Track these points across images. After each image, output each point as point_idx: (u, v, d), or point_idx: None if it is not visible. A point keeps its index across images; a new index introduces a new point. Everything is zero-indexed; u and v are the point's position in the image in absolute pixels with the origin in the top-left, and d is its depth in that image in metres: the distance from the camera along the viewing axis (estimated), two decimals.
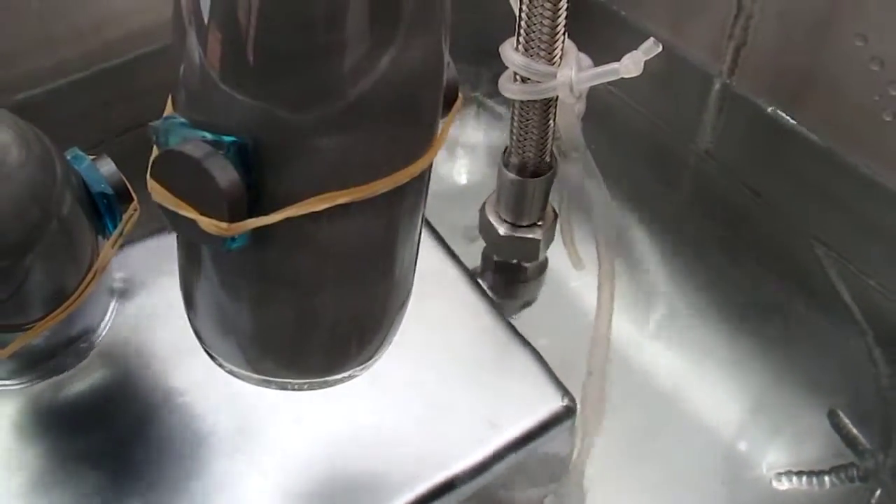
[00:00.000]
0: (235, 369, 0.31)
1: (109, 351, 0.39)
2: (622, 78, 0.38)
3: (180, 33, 0.24)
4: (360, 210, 0.25)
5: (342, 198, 0.24)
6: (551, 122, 0.43)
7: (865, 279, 0.51)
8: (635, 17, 0.61)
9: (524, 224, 0.48)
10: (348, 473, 0.36)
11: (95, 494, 0.35)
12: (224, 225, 0.24)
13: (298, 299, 0.28)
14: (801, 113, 0.55)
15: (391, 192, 0.26)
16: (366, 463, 0.36)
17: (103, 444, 0.36)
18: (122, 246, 0.37)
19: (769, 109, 0.57)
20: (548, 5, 0.37)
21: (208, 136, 0.23)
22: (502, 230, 0.48)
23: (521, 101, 0.42)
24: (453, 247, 0.44)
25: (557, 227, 0.49)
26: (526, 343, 0.40)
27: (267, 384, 0.31)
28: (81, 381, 0.38)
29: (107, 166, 0.36)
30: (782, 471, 0.45)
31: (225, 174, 0.23)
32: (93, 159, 0.36)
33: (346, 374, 0.31)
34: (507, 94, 0.42)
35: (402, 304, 0.31)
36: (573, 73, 0.39)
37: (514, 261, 0.51)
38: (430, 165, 0.28)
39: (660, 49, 0.36)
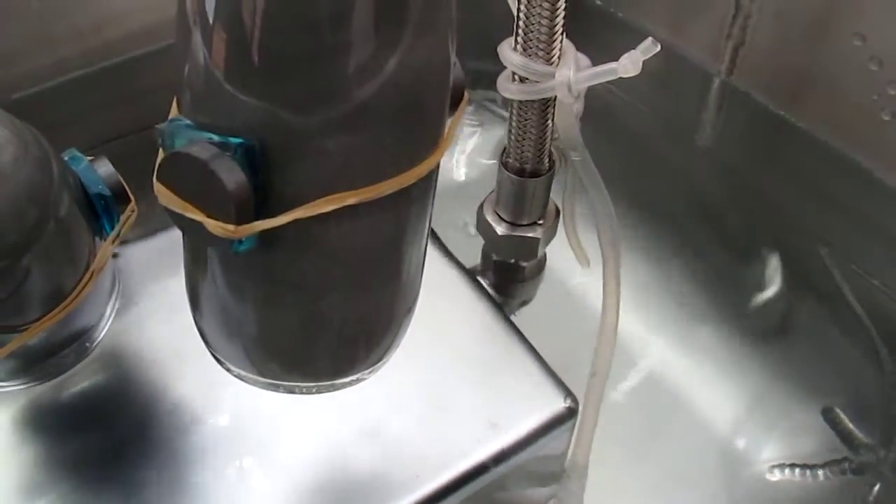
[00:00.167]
0: (242, 373, 0.31)
1: (108, 352, 0.39)
2: (621, 78, 0.38)
3: (185, 34, 0.24)
4: (368, 212, 0.25)
5: (350, 199, 0.24)
6: (550, 121, 0.43)
7: (866, 277, 0.51)
8: (634, 16, 0.61)
9: (524, 223, 0.48)
10: (349, 474, 0.36)
11: (93, 495, 0.35)
12: (231, 227, 0.24)
13: (306, 302, 0.28)
14: (800, 112, 0.55)
15: (398, 193, 0.26)
16: (366, 463, 0.36)
17: (102, 446, 0.36)
18: (120, 245, 0.37)
19: (768, 108, 0.57)
20: (546, 5, 0.37)
21: (215, 137, 0.23)
22: (500, 229, 0.48)
23: (520, 101, 0.42)
24: (452, 246, 0.44)
25: (560, 225, 0.49)
26: (527, 343, 0.40)
27: (275, 388, 0.31)
28: (80, 382, 0.38)
29: (104, 167, 0.36)
30: (779, 465, 0.45)
31: (232, 176, 0.23)
32: (90, 160, 0.36)
33: (354, 378, 0.31)
34: (506, 94, 0.41)
35: (410, 307, 0.31)
36: (571, 73, 0.39)
37: (512, 260, 0.51)
38: (438, 165, 0.27)
39: (658, 49, 0.36)
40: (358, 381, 0.31)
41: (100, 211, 0.35)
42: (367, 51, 0.23)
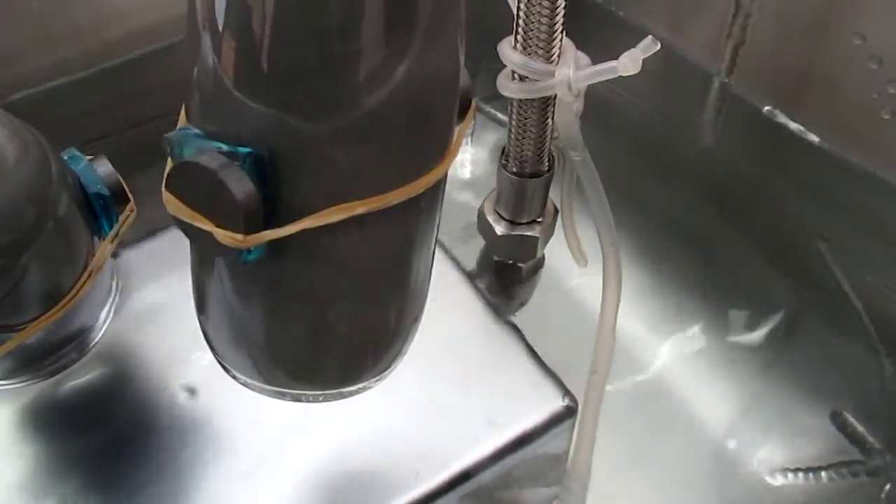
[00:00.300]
0: (249, 381, 0.31)
1: (107, 351, 0.39)
2: (621, 76, 0.38)
3: (194, 40, 0.23)
4: (376, 221, 0.25)
5: (358, 209, 0.24)
6: (550, 120, 0.43)
7: (866, 277, 0.51)
8: (633, 16, 0.61)
9: (523, 221, 0.48)
10: (348, 473, 0.36)
11: (92, 494, 0.35)
12: (240, 237, 0.24)
13: (314, 311, 0.28)
14: (800, 111, 0.55)
15: (406, 202, 0.25)
16: (365, 463, 0.36)
17: (101, 444, 0.36)
18: (120, 244, 0.37)
19: (768, 108, 0.56)
20: (546, 3, 0.37)
21: (224, 147, 0.23)
22: (500, 229, 0.48)
23: (520, 100, 0.42)
24: (451, 247, 0.44)
25: (558, 224, 0.49)
26: (525, 342, 0.40)
27: (281, 396, 0.31)
28: (79, 380, 0.38)
29: (104, 167, 0.36)
30: (780, 469, 0.45)
31: (241, 185, 0.23)
32: (90, 160, 0.36)
33: (361, 385, 0.31)
34: (505, 93, 0.41)
35: (418, 315, 0.31)
36: (571, 72, 0.39)
37: (511, 261, 0.51)
38: (446, 175, 0.27)
39: (658, 47, 0.36)
40: (365, 388, 0.31)
41: (98, 210, 0.35)
42: (377, 60, 0.23)
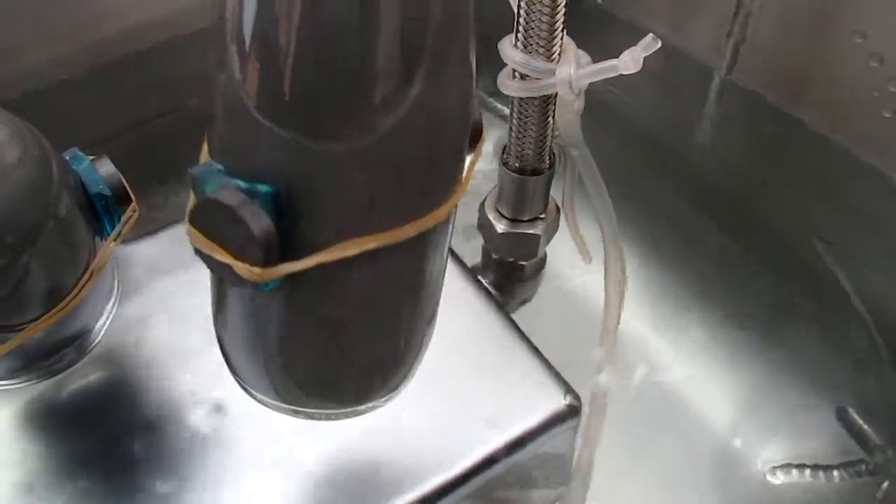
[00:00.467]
0: (265, 399, 0.32)
1: (108, 351, 0.39)
2: (622, 75, 0.38)
3: (218, 78, 0.24)
4: (389, 253, 0.26)
5: (371, 243, 0.25)
6: (550, 119, 0.43)
7: (867, 274, 0.51)
8: (634, 14, 0.61)
9: (525, 219, 0.48)
10: (348, 473, 0.36)
11: (94, 495, 0.35)
12: (258, 270, 0.25)
13: (327, 336, 0.29)
14: (801, 109, 0.55)
15: (418, 234, 0.26)
16: (365, 462, 0.36)
17: (102, 445, 0.36)
18: (121, 243, 0.37)
19: (769, 105, 0.56)
20: (546, 1, 0.37)
21: (242, 184, 0.24)
22: (501, 227, 0.48)
23: (520, 99, 0.42)
24: (453, 244, 0.44)
25: (560, 222, 0.49)
26: (528, 341, 0.40)
27: (295, 414, 0.32)
28: (80, 380, 0.38)
29: (105, 167, 0.36)
30: (783, 466, 0.45)
31: (259, 222, 0.24)
32: (92, 160, 0.36)
33: (373, 404, 0.32)
34: (506, 91, 0.41)
35: (428, 337, 0.32)
36: (572, 70, 0.39)
37: (511, 259, 0.51)
38: (456, 206, 0.28)
39: (659, 45, 0.36)
40: (377, 406, 0.33)
41: (100, 211, 0.35)
42: (392, 93, 0.23)
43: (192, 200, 0.26)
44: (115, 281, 0.40)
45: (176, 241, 0.43)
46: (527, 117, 0.43)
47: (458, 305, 0.41)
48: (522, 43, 0.40)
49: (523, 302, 0.51)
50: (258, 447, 0.36)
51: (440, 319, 0.40)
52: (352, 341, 0.29)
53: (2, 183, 0.31)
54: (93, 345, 0.39)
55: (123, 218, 0.36)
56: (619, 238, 0.44)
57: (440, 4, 0.23)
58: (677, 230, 0.55)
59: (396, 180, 0.25)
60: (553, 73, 0.39)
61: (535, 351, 0.40)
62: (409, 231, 0.26)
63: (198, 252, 0.26)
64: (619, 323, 0.45)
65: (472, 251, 0.51)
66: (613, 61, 0.38)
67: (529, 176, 0.46)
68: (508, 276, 0.52)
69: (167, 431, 0.36)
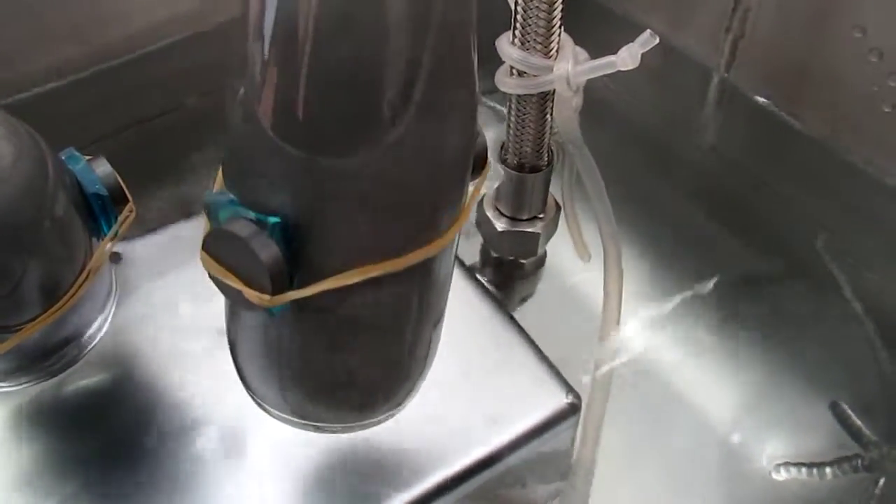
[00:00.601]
0: (276, 413, 0.33)
1: (106, 352, 0.39)
2: (620, 72, 0.38)
3: (232, 112, 0.26)
4: (393, 279, 0.27)
5: (375, 271, 0.26)
6: (548, 116, 0.43)
7: (866, 271, 0.51)
8: (632, 11, 0.61)
9: (524, 218, 0.48)
10: (348, 471, 0.36)
11: (92, 496, 0.34)
12: (267, 297, 0.26)
13: (333, 356, 0.30)
14: (800, 105, 0.55)
15: (422, 261, 0.27)
16: (366, 461, 0.36)
17: (100, 446, 0.36)
18: (119, 243, 0.37)
19: (768, 102, 0.56)
20: None
21: (253, 215, 0.26)
22: (500, 225, 0.48)
23: (518, 96, 0.42)
24: None
25: (561, 220, 0.49)
26: (528, 339, 0.40)
27: (304, 427, 0.33)
28: (78, 382, 0.38)
29: (102, 167, 0.36)
30: (784, 463, 0.45)
31: (268, 252, 0.25)
32: (88, 160, 0.35)
33: (381, 418, 0.34)
34: (504, 89, 0.41)
35: (432, 354, 0.33)
36: (570, 67, 0.39)
37: (511, 258, 0.50)
38: (459, 233, 0.29)
39: (657, 41, 0.36)
40: (385, 419, 0.34)
41: (97, 211, 0.35)
42: (399, 124, 0.24)
43: (206, 227, 0.27)
44: (114, 281, 0.40)
45: (174, 242, 0.43)
46: (525, 114, 0.43)
47: (458, 304, 0.41)
48: (520, 40, 0.39)
49: (523, 300, 0.51)
50: (257, 445, 0.36)
51: None
52: (359, 359, 0.31)
53: None
54: (91, 346, 0.38)
55: (120, 218, 0.36)
56: (618, 235, 0.44)
57: (445, 43, 0.24)
58: (676, 228, 0.55)
59: (401, 210, 0.26)
60: (551, 69, 0.39)
61: (536, 349, 0.40)
62: (412, 259, 0.27)
63: (211, 277, 0.27)
64: (619, 320, 0.45)
65: (472, 249, 0.51)
66: (611, 57, 0.38)
67: (528, 173, 0.45)
68: (508, 275, 0.51)
69: (166, 432, 0.36)
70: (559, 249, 0.50)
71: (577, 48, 0.40)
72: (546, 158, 0.45)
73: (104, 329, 0.39)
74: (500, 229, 0.48)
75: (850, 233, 0.53)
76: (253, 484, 0.35)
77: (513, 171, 0.45)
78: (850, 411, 0.46)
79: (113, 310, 0.39)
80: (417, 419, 0.37)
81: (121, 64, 0.56)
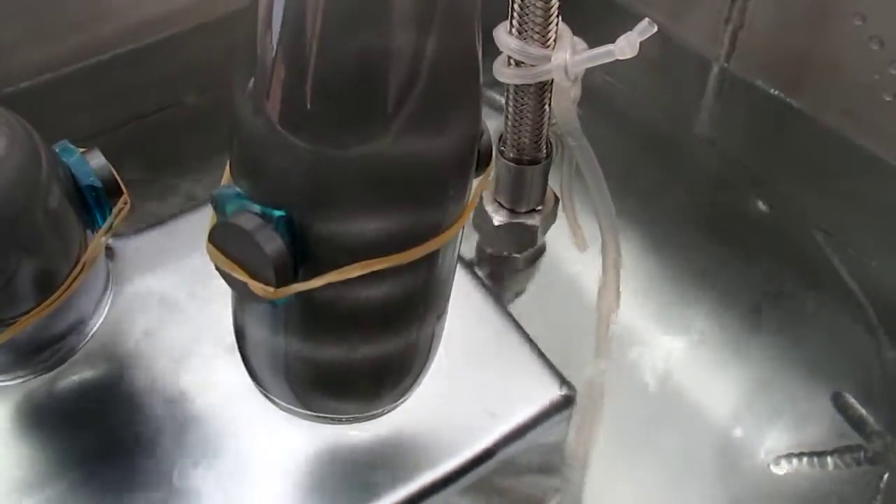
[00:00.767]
0: (282, 404, 0.34)
1: (101, 347, 0.38)
2: (619, 62, 0.37)
3: (237, 107, 0.26)
4: (396, 272, 0.27)
5: (378, 265, 0.27)
6: (547, 107, 0.43)
7: (868, 261, 0.51)
8: (630, 1, 0.61)
9: (522, 210, 0.47)
10: (346, 465, 0.36)
11: (86, 491, 0.34)
12: (271, 289, 0.26)
13: (337, 347, 0.31)
14: (801, 95, 0.55)
15: (425, 255, 0.28)
16: (362, 454, 0.36)
17: (95, 441, 0.36)
18: (114, 238, 0.37)
19: (768, 92, 0.56)
20: None
21: (258, 208, 0.26)
22: (498, 218, 0.47)
23: (516, 86, 0.42)
24: None
25: (559, 211, 0.48)
26: (523, 332, 0.40)
27: (310, 418, 0.34)
28: (73, 376, 0.38)
29: (96, 159, 0.35)
30: (785, 454, 0.44)
31: (273, 245, 0.26)
32: (82, 152, 0.35)
33: (382, 410, 0.34)
34: (501, 79, 0.41)
35: (436, 344, 0.34)
36: (568, 56, 0.39)
37: (506, 253, 0.50)
38: (463, 228, 0.29)
39: (655, 30, 0.36)
40: (389, 410, 0.34)
41: (91, 203, 0.35)
42: (404, 121, 0.24)
43: (212, 220, 0.28)
44: (109, 276, 0.40)
45: (171, 236, 0.43)
46: (523, 105, 0.42)
47: (453, 297, 0.41)
48: (517, 29, 0.39)
49: (519, 292, 0.51)
50: (255, 439, 0.36)
51: None
52: (363, 351, 0.31)
53: None
54: (86, 340, 0.38)
55: (115, 210, 0.35)
56: (617, 227, 0.43)
57: (452, 34, 0.24)
58: (675, 219, 0.54)
59: (406, 204, 0.27)
60: (549, 59, 0.39)
61: (531, 342, 0.40)
62: (417, 253, 0.27)
63: (218, 269, 0.28)
64: (616, 312, 0.45)
65: (468, 243, 0.51)
66: (609, 46, 0.37)
67: (526, 165, 0.45)
68: (504, 267, 0.51)
69: (161, 426, 0.36)
70: (556, 243, 0.50)
71: (576, 38, 0.40)
72: (545, 150, 0.45)
73: (99, 323, 0.39)
74: (497, 222, 0.48)
75: (851, 223, 0.52)
76: (251, 476, 0.35)
77: (511, 164, 0.45)
78: (852, 400, 0.45)
79: (109, 304, 0.39)
80: (413, 412, 0.37)
81: (116, 59, 0.56)
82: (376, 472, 0.35)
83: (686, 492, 0.44)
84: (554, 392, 0.38)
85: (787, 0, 0.53)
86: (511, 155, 0.45)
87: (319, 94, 0.24)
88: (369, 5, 0.23)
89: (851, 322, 0.49)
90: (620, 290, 0.43)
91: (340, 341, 0.30)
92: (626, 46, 0.37)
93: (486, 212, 0.48)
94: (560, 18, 0.39)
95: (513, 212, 0.48)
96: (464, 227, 0.30)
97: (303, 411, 0.34)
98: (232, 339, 0.34)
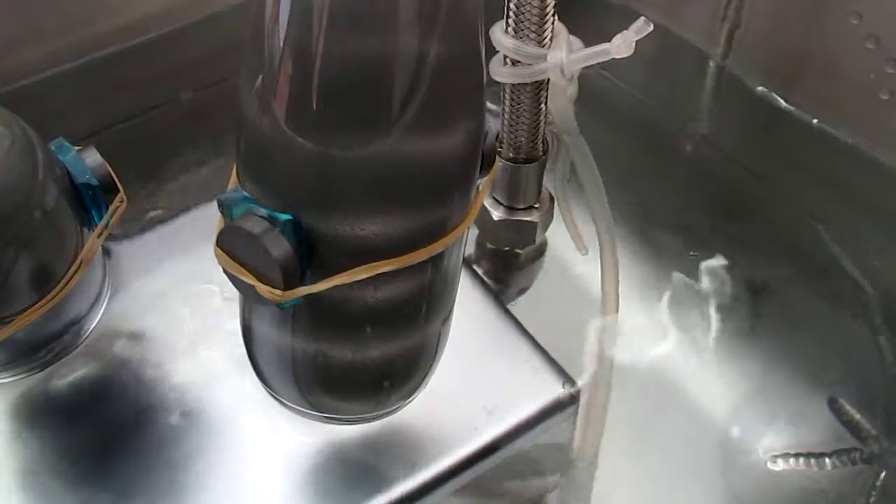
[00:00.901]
0: (289, 404, 0.34)
1: (98, 344, 0.38)
2: (615, 61, 0.37)
3: (244, 112, 0.26)
4: (402, 274, 0.28)
5: (384, 267, 0.27)
6: (543, 105, 0.43)
7: (865, 259, 0.51)
8: (627, 0, 0.61)
9: (520, 207, 0.47)
10: (346, 462, 0.36)
11: (83, 488, 0.34)
12: (279, 292, 0.27)
13: (343, 348, 0.31)
14: (797, 93, 0.55)
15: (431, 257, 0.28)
16: (364, 451, 0.36)
17: (92, 439, 0.36)
18: (111, 238, 0.37)
19: (765, 90, 0.56)
20: None
21: (265, 212, 0.26)
22: (497, 214, 0.47)
23: (512, 85, 0.42)
24: None
25: (555, 210, 0.48)
26: (524, 330, 0.40)
27: (317, 418, 0.34)
28: (70, 374, 0.38)
29: (92, 157, 0.35)
30: (783, 454, 0.44)
31: (280, 249, 0.26)
32: (78, 150, 0.35)
33: (389, 410, 0.34)
34: (498, 78, 0.41)
35: (443, 345, 0.34)
36: (564, 55, 0.39)
37: (507, 248, 0.50)
38: (468, 229, 0.29)
39: (651, 28, 0.36)
40: (395, 410, 0.35)
41: (87, 201, 0.35)
42: (410, 126, 0.25)
43: (219, 224, 0.28)
44: (106, 275, 0.40)
45: (168, 236, 0.43)
46: (519, 104, 0.42)
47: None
48: (513, 28, 0.39)
49: (521, 290, 0.51)
50: (254, 436, 0.36)
51: None
52: (369, 352, 0.31)
53: None
54: (83, 338, 0.38)
55: (111, 208, 0.35)
56: (613, 225, 0.43)
57: (457, 35, 0.25)
58: (673, 217, 0.54)
59: (411, 206, 0.27)
60: (545, 58, 0.39)
61: (533, 340, 0.40)
62: (422, 254, 0.27)
63: (226, 272, 0.28)
64: (617, 311, 0.45)
65: (469, 241, 0.51)
66: (605, 45, 0.37)
67: (523, 164, 0.45)
68: (505, 265, 0.51)
69: (158, 424, 0.36)
70: (556, 241, 0.50)
71: (572, 37, 0.40)
72: (541, 149, 0.45)
73: (96, 322, 0.39)
74: (496, 218, 0.48)
75: (848, 221, 0.52)
76: (251, 474, 0.35)
77: (507, 162, 0.45)
78: (847, 405, 0.45)
79: (105, 303, 0.39)
80: (415, 410, 0.37)
81: (112, 56, 0.55)
82: (374, 469, 0.35)
83: (684, 490, 0.44)
84: (556, 390, 0.38)
85: None
86: (508, 154, 0.45)
87: (326, 94, 0.24)
88: (375, 6, 0.23)
89: (851, 322, 0.49)
90: (619, 290, 0.43)
91: (348, 342, 0.30)
92: (622, 45, 0.37)
93: (484, 207, 0.48)
94: (556, 17, 0.39)
95: (510, 208, 0.48)
96: (468, 229, 0.30)
97: (311, 412, 0.34)
98: (228, 338, 0.34)
